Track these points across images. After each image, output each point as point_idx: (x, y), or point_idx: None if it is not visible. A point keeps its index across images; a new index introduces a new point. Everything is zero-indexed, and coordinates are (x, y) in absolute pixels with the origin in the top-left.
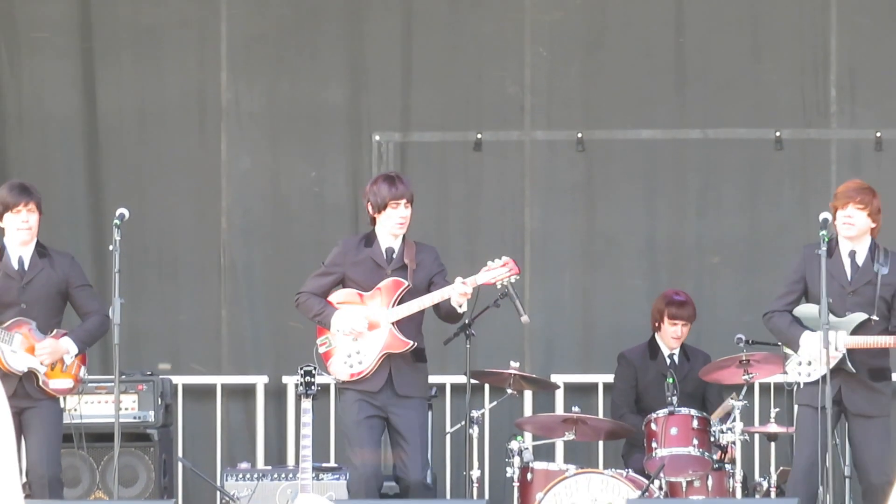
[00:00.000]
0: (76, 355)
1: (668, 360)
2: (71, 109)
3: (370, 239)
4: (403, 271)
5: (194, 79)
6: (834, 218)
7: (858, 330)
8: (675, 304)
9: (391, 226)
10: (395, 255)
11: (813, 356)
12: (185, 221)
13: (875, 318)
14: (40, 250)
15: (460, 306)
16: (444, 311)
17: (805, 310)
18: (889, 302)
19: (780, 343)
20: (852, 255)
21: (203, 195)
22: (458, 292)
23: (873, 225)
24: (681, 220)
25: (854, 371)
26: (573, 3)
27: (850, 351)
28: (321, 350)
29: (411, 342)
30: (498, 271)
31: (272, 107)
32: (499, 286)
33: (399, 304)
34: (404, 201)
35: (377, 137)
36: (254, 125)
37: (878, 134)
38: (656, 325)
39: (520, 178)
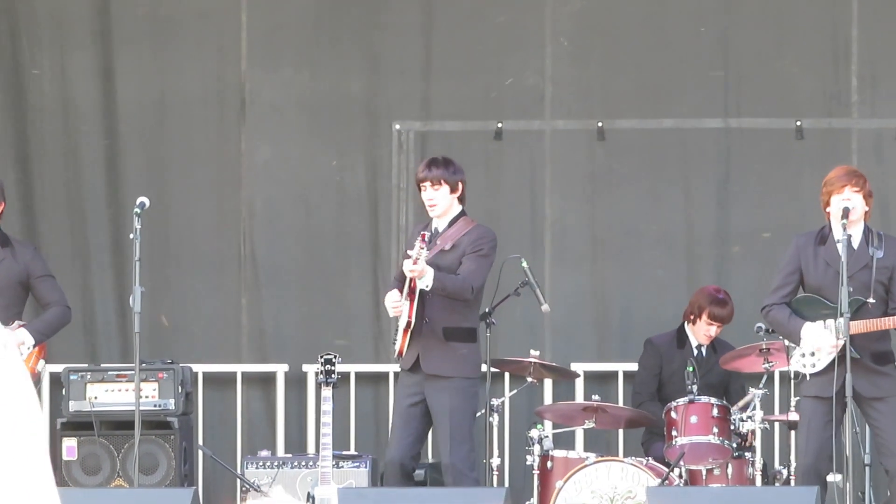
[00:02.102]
0: (33, 346)
1: (696, 351)
2: (91, 100)
3: (430, 220)
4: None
5: (214, 69)
6: (827, 205)
7: (856, 314)
8: (718, 304)
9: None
10: (437, 235)
11: (816, 346)
12: (205, 211)
13: (871, 300)
14: (3, 239)
15: (421, 281)
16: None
17: (802, 300)
18: (886, 285)
19: (781, 336)
20: (847, 239)
21: (223, 185)
22: (406, 269)
23: (867, 208)
24: (701, 209)
25: (857, 356)
26: None
27: (851, 336)
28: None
29: (407, 319)
30: (416, 248)
31: (292, 97)
32: (411, 257)
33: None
34: (429, 183)
35: (397, 127)
36: (274, 115)
37: None
38: (692, 318)
39: (540, 168)
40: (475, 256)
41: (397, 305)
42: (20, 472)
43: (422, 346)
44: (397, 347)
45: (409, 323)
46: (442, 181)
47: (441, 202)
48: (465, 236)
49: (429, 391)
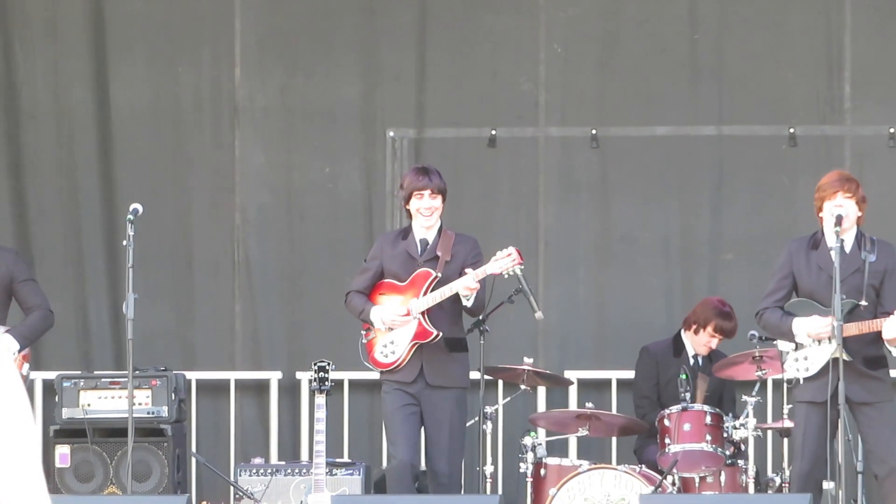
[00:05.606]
0: (18, 351)
1: (692, 360)
2: (85, 105)
3: (406, 232)
4: (436, 262)
5: (208, 75)
6: (820, 210)
7: (849, 317)
8: (725, 317)
9: (417, 216)
10: (428, 247)
11: (809, 331)
12: (199, 217)
13: (864, 303)
14: None
15: (466, 298)
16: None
17: (795, 304)
18: (878, 289)
19: (774, 339)
20: (839, 244)
21: (217, 191)
22: (462, 285)
23: (860, 213)
24: (695, 216)
25: (850, 359)
26: None
27: (844, 340)
28: (364, 340)
29: (435, 332)
30: (504, 262)
31: (286, 103)
32: (506, 276)
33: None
34: (428, 192)
35: (391, 133)
36: (267, 121)
37: (892, 130)
38: (695, 328)
39: (534, 175)
40: (480, 266)
41: (406, 321)
42: (15, 476)
43: (425, 358)
44: (399, 359)
45: (437, 336)
46: (439, 190)
47: (437, 211)
48: (458, 246)
49: (427, 401)
